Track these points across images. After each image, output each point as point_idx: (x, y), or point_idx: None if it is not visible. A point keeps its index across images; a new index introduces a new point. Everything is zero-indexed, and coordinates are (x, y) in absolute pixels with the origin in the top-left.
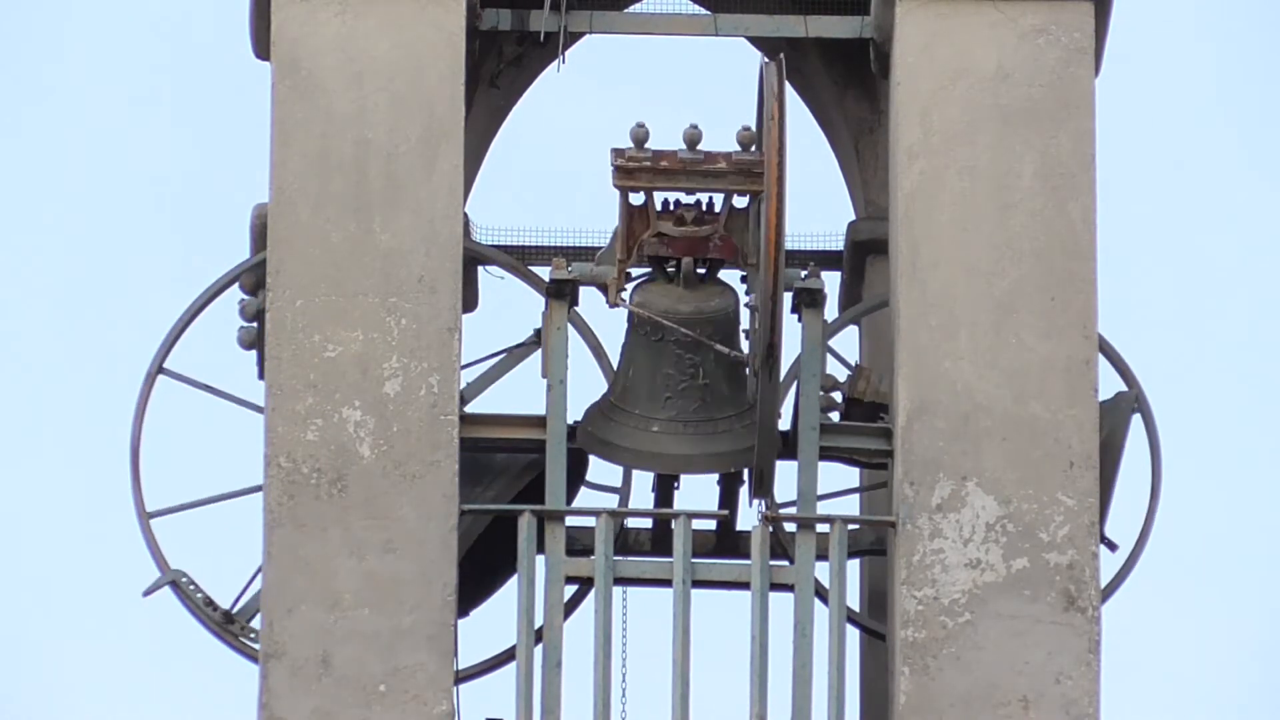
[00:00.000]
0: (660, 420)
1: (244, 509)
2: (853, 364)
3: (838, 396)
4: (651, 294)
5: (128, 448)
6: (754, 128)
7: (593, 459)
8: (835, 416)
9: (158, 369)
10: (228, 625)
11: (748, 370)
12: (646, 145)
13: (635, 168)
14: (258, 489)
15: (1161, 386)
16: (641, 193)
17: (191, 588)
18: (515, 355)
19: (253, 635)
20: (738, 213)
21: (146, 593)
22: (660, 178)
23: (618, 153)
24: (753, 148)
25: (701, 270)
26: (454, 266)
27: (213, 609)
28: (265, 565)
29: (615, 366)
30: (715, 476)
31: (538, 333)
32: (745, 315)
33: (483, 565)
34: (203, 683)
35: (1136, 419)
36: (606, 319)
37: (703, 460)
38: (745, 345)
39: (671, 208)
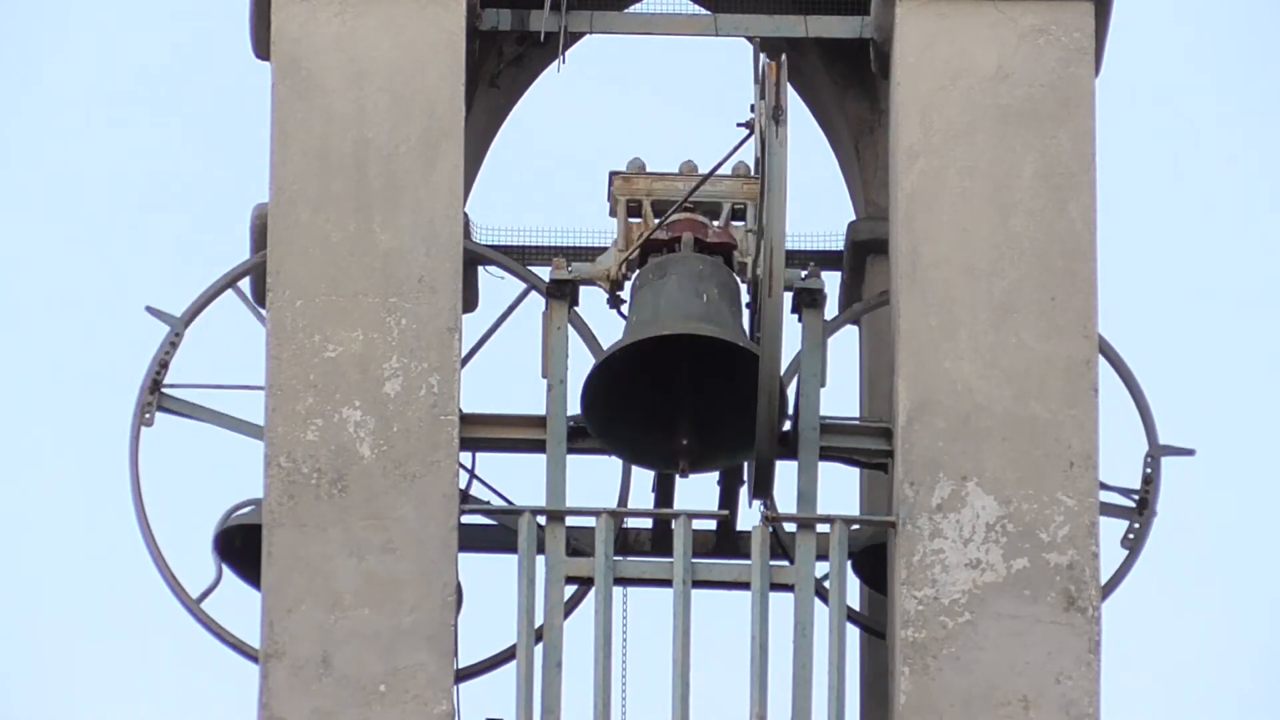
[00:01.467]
0: (665, 319)
1: (253, 402)
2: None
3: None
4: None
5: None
6: (751, 123)
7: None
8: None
9: (183, 326)
10: (150, 393)
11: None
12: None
13: (633, 174)
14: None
15: (1162, 386)
16: (639, 218)
17: (171, 347)
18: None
19: (147, 418)
20: (736, 225)
21: (150, 309)
22: (658, 184)
23: (616, 173)
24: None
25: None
26: (454, 266)
27: (159, 370)
28: (265, 565)
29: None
30: (715, 476)
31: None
32: (746, 318)
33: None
34: (203, 683)
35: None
36: (606, 319)
37: (707, 329)
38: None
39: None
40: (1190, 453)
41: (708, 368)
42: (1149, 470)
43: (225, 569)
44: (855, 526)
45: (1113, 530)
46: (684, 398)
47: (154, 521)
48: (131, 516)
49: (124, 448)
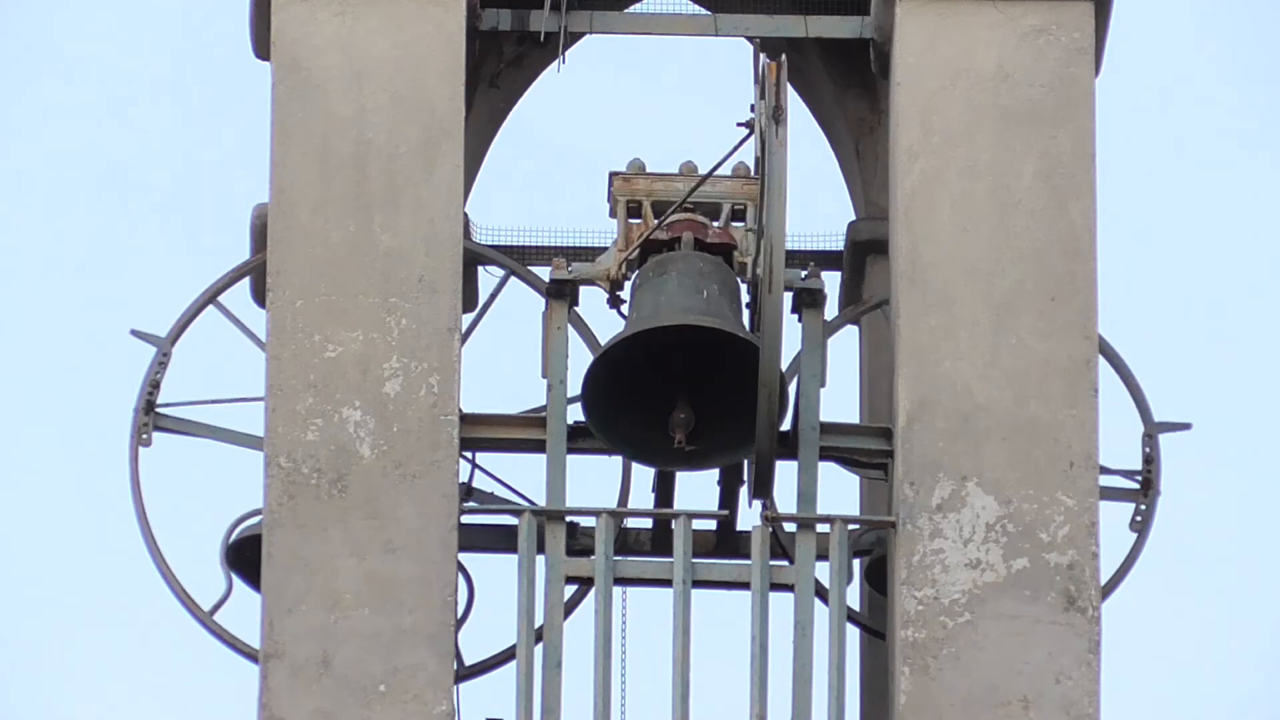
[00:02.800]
0: (666, 313)
1: (249, 411)
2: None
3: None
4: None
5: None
6: (752, 123)
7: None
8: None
9: (169, 345)
10: (144, 413)
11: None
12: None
13: (633, 174)
14: (259, 398)
15: (1162, 386)
16: (640, 219)
17: (160, 366)
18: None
19: (145, 439)
20: (736, 226)
21: (134, 332)
22: (658, 184)
23: (616, 173)
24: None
25: None
26: (454, 266)
27: (150, 391)
28: (265, 565)
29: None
30: (715, 476)
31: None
32: (746, 318)
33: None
34: (203, 683)
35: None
36: (606, 319)
37: (708, 320)
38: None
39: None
40: (1187, 427)
41: (708, 363)
42: (1148, 450)
43: (236, 579)
44: (854, 526)
45: (1115, 528)
46: (684, 394)
47: (156, 527)
48: (134, 523)
49: (124, 462)
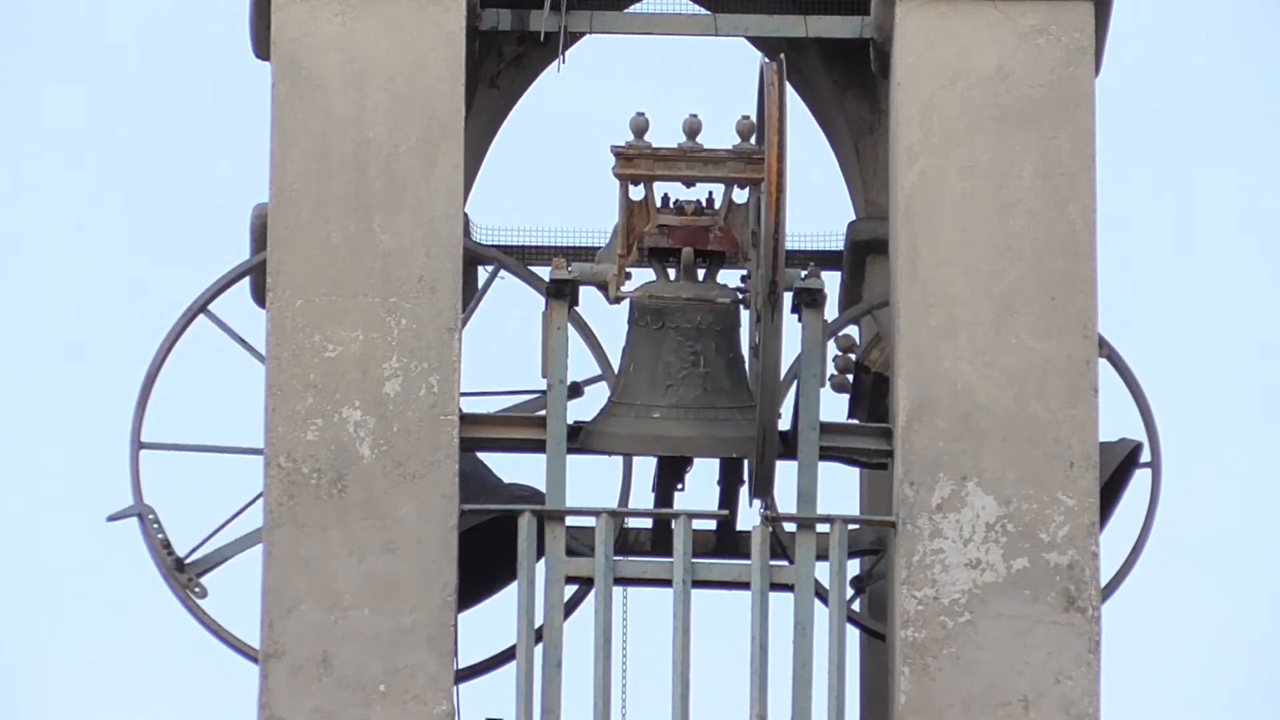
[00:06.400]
0: (661, 407)
1: (238, 466)
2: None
3: (852, 356)
4: (652, 288)
5: (142, 376)
6: (755, 124)
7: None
8: (843, 375)
9: (200, 308)
10: (178, 572)
11: (748, 353)
12: (646, 137)
13: (635, 155)
14: (258, 451)
15: (1161, 386)
16: (641, 185)
17: (155, 526)
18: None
19: (198, 590)
20: (737, 208)
21: (111, 518)
22: (660, 164)
23: (618, 146)
24: (752, 137)
25: (702, 270)
26: (454, 266)
27: (168, 552)
28: (265, 565)
29: (616, 370)
30: (716, 477)
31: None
32: (746, 320)
33: (480, 567)
34: (203, 683)
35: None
36: (606, 319)
37: (705, 443)
38: (746, 347)
39: (671, 204)
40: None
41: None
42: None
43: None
44: (854, 526)
45: (1115, 528)
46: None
47: (144, 454)
48: (126, 450)
49: (125, 448)
